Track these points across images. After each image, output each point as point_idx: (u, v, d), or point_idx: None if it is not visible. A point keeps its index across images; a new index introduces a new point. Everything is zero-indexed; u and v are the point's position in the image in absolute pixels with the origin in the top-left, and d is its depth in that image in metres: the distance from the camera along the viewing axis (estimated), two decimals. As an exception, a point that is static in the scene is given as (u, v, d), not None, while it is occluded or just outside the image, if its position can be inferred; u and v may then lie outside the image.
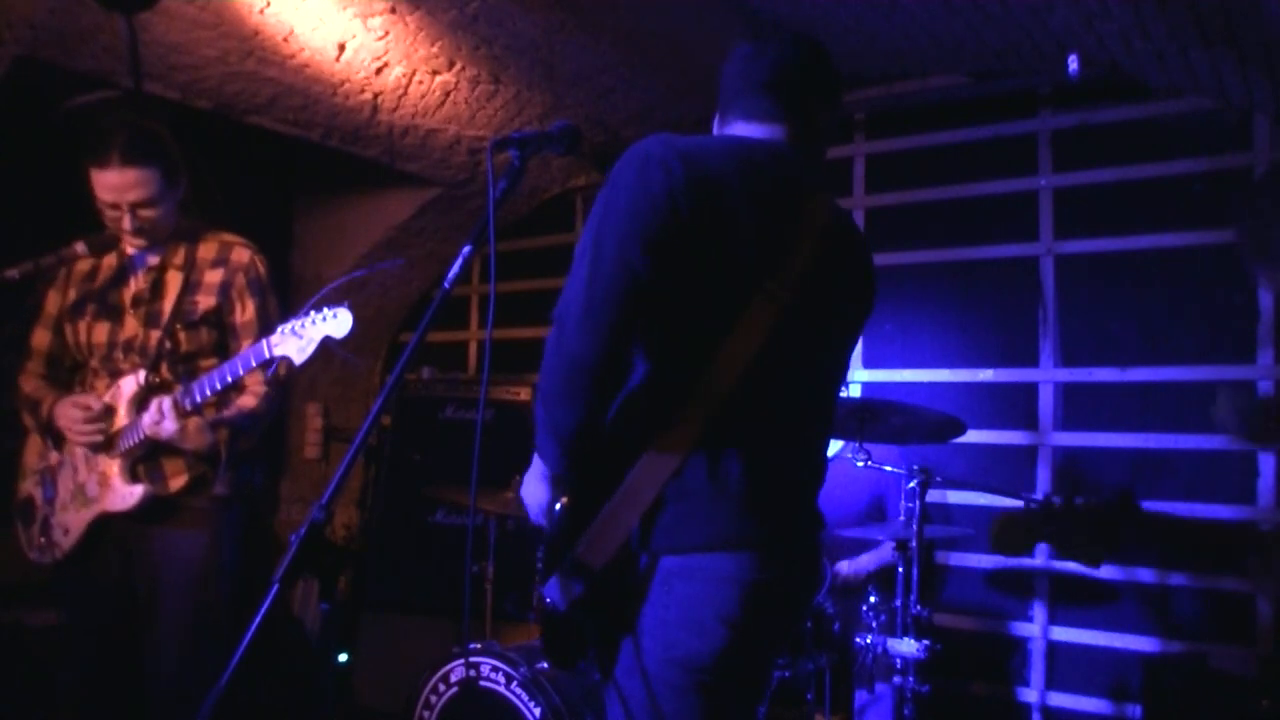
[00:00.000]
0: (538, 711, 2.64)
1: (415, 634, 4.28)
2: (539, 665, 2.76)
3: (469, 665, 2.80)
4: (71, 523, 2.42)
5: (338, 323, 2.13)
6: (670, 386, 1.55)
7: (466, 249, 1.58)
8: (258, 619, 1.33)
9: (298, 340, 2.16)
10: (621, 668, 1.57)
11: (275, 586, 1.33)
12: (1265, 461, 3.27)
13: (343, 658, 4.31)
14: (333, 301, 2.17)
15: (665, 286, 1.49)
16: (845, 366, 1.83)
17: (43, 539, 2.45)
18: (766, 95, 1.72)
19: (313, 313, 2.16)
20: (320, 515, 1.36)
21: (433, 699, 2.85)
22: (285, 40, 3.29)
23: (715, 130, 1.80)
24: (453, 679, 2.84)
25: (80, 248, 2.35)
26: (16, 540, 2.52)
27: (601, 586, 1.54)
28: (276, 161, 4.50)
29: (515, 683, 2.70)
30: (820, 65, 1.78)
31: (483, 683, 2.78)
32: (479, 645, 2.86)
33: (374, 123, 3.91)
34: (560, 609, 1.55)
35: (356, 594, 4.64)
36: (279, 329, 2.19)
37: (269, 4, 3.09)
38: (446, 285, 1.55)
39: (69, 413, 2.36)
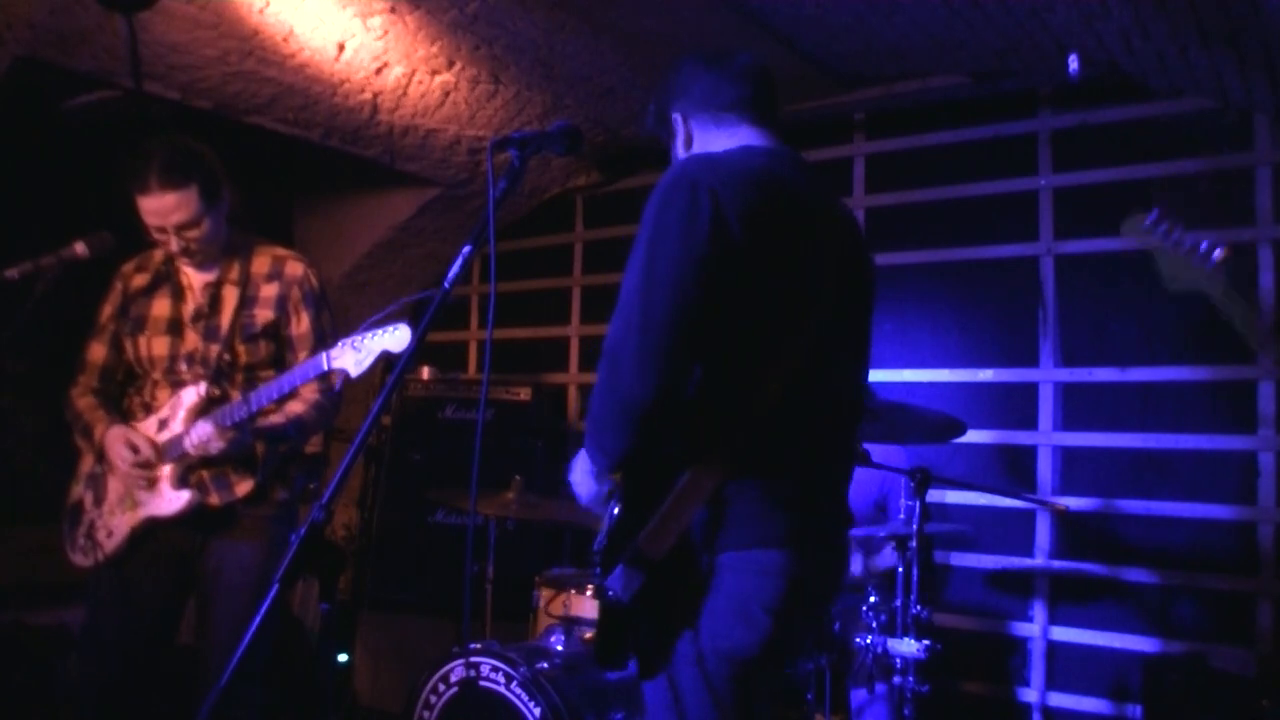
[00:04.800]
0: (538, 711, 2.64)
1: (415, 634, 4.28)
2: (539, 665, 2.76)
3: (469, 665, 2.80)
4: (116, 526, 2.44)
5: (396, 338, 2.16)
6: (723, 400, 1.59)
7: (466, 249, 1.58)
8: (258, 619, 1.33)
9: (356, 354, 2.20)
10: (672, 660, 1.61)
11: (275, 586, 1.33)
12: (1265, 461, 3.27)
13: (343, 658, 4.31)
14: (393, 318, 2.20)
15: (719, 312, 1.53)
16: (868, 361, 1.89)
17: (85, 540, 2.47)
18: (764, 104, 1.80)
19: (373, 329, 2.20)
20: (320, 515, 1.37)
21: (433, 699, 2.85)
22: (285, 40, 3.29)
23: (692, 128, 1.82)
24: (453, 679, 2.84)
25: (80, 248, 2.36)
26: (59, 541, 2.53)
27: (659, 579, 1.58)
28: (276, 161, 4.50)
29: (515, 683, 2.70)
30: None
31: (483, 683, 2.77)
32: (479, 645, 2.86)
33: (374, 123, 3.91)
34: (624, 601, 1.58)
35: (356, 594, 4.64)
36: (340, 343, 2.23)
37: (269, 4, 3.09)
38: (446, 285, 1.56)
39: (120, 450, 2.39)
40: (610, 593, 1.59)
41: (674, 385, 1.52)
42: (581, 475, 1.71)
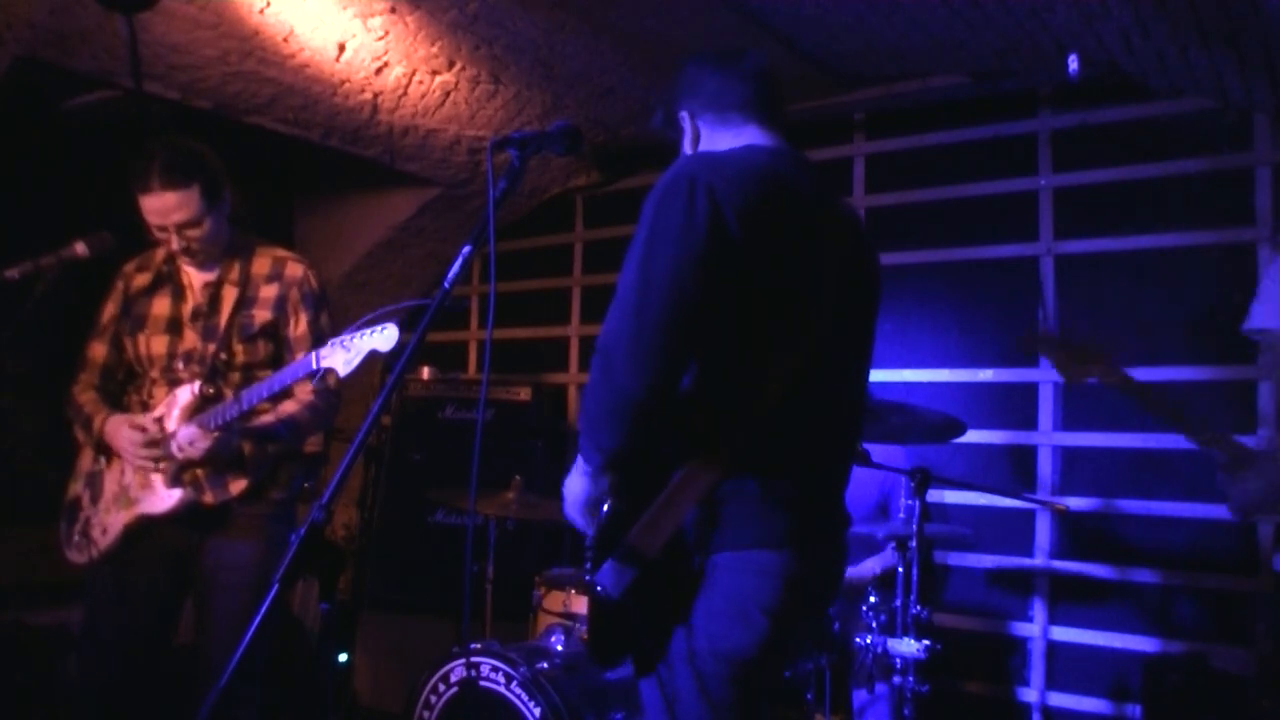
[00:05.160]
0: (538, 711, 2.64)
1: (415, 634, 4.28)
2: (539, 665, 2.76)
3: (469, 665, 2.80)
4: (111, 523, 2.44)
5: (384, 338, 2.17)
6: (722, 397, 1.58)
7: (466, 249, 1.58)
8: (258, 619, 1.33)
9: (345, 353, 2.21)
10: (667, 659, 1.60)
11: (275, 586, 1.33)
12: (1265, 461, 3.27)
13: (343, 658, 4.31)
14: (383, 318, 2.21)
15: (717, 310, 1.52)
16: (871, 361, 1.88)
17: (80, 538, 2.48)
18: (770, 104, 1.81)
19: (363, 328, 2.20)
20: (320, 515, 1.37)
21: (433, 699, 2.85)
22: (285, 40, 3.29)
23: (699, 127, 1.83)
24: (453, 679, 2.84)
25: (80, 248, 2.36)
26: (56, 538, 2.54)
27: (652, 576, 1.56)
28: (276, 161, 4.50)
29: (515, 683, 2.70)
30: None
31: (483, 683, 2.78)
32: (479, 645, 2.87)
33: (374, 123, 3.91)
34: (613, 596, 1.57)
35: (356, 594, 4.64)
36: (329, 343, 2.24)
37: (269, 4, 3.09)
38: (446, 285, 1.56)
39: (126, 433, 2.39)
40: (599, 588, 1.58)
41: (669, 382, 1.51)
42: (576, 477, 1.69)
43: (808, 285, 1.62)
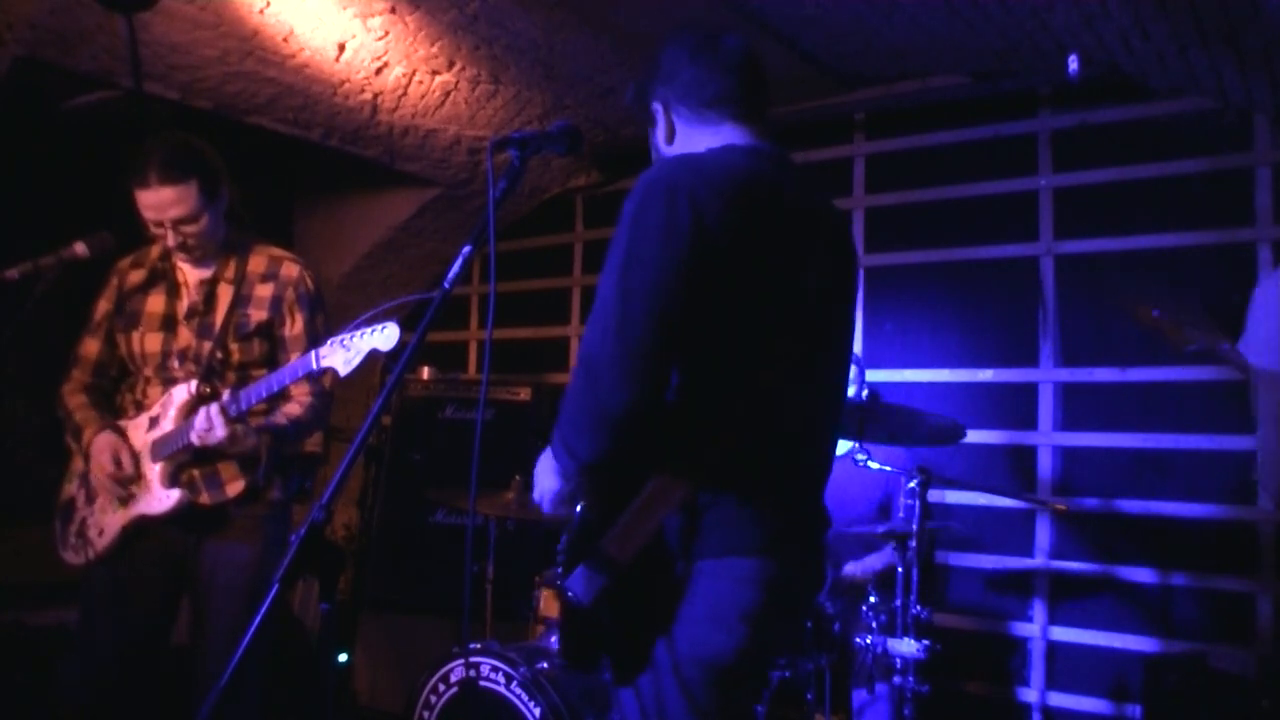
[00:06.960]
0: (538, 711, 2.64)
1: (415, 634, 4.28)
2: (539, 665, 2.76)
3: (469, 665, 2.80)
4: (107, 524, 2.43)
5: (385, 337, 2.15)
6: (701, 405, 1.56)
7: (466, 249, 1.58)
8: (258, 619, 1.33)
9: (345, 353, 2.19)
10: (653, 667, 1.58)
11: (275, 586, 1.33)
12: (1265, 461, 3.27)
13: (343, 658, 4.31)
14: (381, 317, 2.19)
15: (697, 319, 1.49)
16: (848, 360, 1.86)
17: (76, 539, 2.47)
18: (751, 98, 1.74)
19: (362, 327, 2.18)
20: (320, 515, 1.37)
21: (433, 699, 2.85)
22: (285, 40, 3.29)
23: (674, 121, 1.76)
24: (453, 679, 2.84)
25: (80, 248, 2.36)
26: (52, 539, 2.53)
27: (626, 583, 1.54)
28: (276, 161, 4.51)
29: (515, 683, 2.70)
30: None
31: (483, 683, 2.78)
32: (479, 645, 2.86)
33: (374, 123, 3.91)
34: (584, 603, 1.54)
35: (356, 594, 4.64)
36: (328, 342, 2.22)
37: (269, 4, 3.09)
38: (446, 285, 1.55)
39: (103, 459, 2.37)
40: (570, 594, 1.56)
41: (653, 393, 1.48)
42: (547, 475, 1.65)
43: (789, 291, 1.60)
